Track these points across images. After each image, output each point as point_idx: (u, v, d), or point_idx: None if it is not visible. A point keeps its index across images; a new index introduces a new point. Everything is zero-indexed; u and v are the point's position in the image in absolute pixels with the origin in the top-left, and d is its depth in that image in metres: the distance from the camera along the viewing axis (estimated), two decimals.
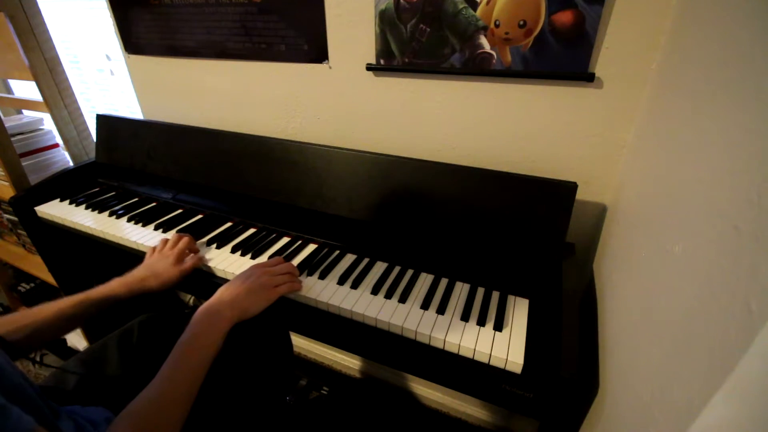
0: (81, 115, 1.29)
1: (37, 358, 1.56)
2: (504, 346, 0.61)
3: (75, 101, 1.26)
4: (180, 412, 0.52)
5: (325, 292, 0.73)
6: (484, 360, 0.61)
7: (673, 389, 0.34)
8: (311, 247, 0.87)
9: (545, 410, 0.58)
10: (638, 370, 0.44)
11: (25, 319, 0.64)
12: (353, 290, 0.73)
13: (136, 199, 1.10)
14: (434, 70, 0.84)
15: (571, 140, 0.79)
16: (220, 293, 0.66)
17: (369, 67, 0.90)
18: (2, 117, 1.13)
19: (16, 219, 1.36)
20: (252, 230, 0.93)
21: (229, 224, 0.96)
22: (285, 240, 0.90)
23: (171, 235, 0.91)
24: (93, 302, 0.71)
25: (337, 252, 0.85)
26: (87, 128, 1.32)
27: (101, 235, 0.96)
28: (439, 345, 0.63)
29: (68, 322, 0.69)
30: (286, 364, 0.96)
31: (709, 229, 0.35)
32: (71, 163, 1.34)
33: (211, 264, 0.81)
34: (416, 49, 0.83)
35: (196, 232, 0.91)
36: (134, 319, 0.83)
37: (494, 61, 0.78)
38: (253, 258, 0.83)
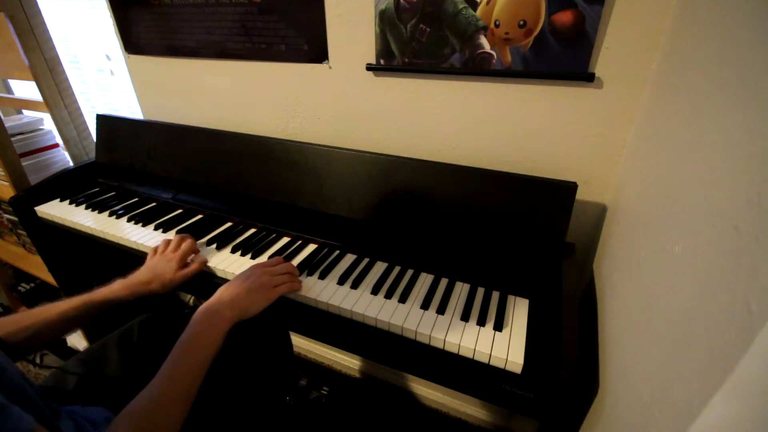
0: (81, 115, 1.29)
1: (37, 359, 1.56)
2: (504, 346, 0.61)
3: (75, 101, 1.26)
4: (180, 412, 0.52)
5: (325, 292, 0.73)
6: (484, 360, 0.61)
7: (673, 389, 0.34)
8: (311, 247, 0.87)
9: (545, 410, 0.58)
10: (638, 370, 0.44)
11: (27, 321, 0.64)
12: (353, 290, 0.73)
13: (136, 199, 1.10)
14: (434, 70, 0.84)
15: (571, 140, 0.79)
16: (220, 293, 0.66)
17: (369, 67, 0.90)
18: (2, 117, 1.13)
19: (16, 219, 1.36)
20: (252, 230, 0.93)
21: (229, 224, 0.96)
22: (285, 240, 0.90)
23: (172, 235, 0.91)
24: (95, 304, 0.72)
25: (337, 252, 0.85)
26: (87, 128, 1.32)
27: (101, 235, 0.96)
28: (439, 345, 0.63)
29: (70, 323, 0.69)
30: (286, 364, 0.96)
31: (709, 229, 0.35)
32: (71, 163, 1.34)
33: (211, 264, 0.81)
34: (416, 49, 0.83)
35: (196, 232, 0.91)
36: (134, 319, 0.83)
37: (494, 61, 0.78)
38: (253, 258, 0.83)
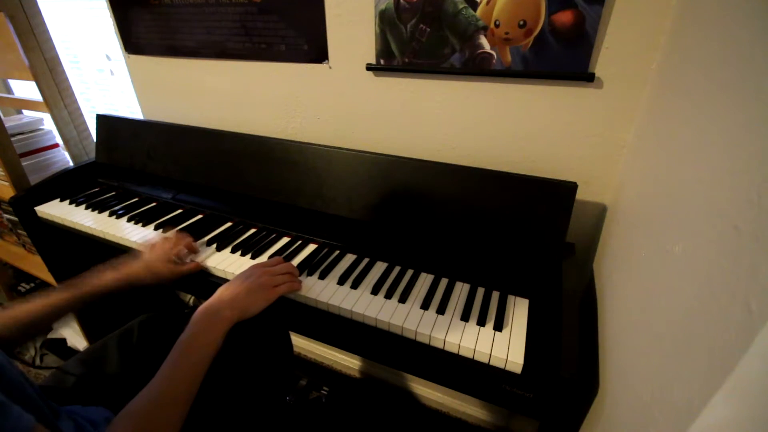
0: (81, 115, 1.29)
1: (37, 359, 1.56)
2: (504, 346, 0.61)
3: (75, 101, 1.26)
4: (179, 412, 0.52)
5: (325, 292, 0.73)
6: (484, 360, 0.61)
7: (673, 389, 0.34)
8: (311, 247, 0.87)
9: (545, 410, 0.58)
10: (638, 370, 0.44)
11: (17, 313, 0.64)
12: (353, 290, 0.73)
13: (136, 199, 1.10)
14: (434, 70, 0.84)
15: (571, 140, 0.79)
16: (220, 293, 0.66)
17: (369, 67, 0.90)
18: (2, 117, 1.13)
19: (16, 219, 1.36)
20: (252, 230, 0.93)
21: (229, 224, 0.96)
22: (285, 240, 0.90)
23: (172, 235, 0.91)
24: (86, 295, 0.72)
25: (337, 252, 0.85)
26: (87, 128, 1.32)
27: (101, 235, 0.96)
28: (439, 345, 0.63)
29: (61, 313, 0.69)
30: (286, 364, 0.96)
31: (709, 229, 0.35)
32: (71, 163, 1.34)
33: (211, 264, 0.81)
34: (416, 49, 0.83)
35: (196, 232, 0.91)
36: (134, 319, 0.83)
37: (494, 61, 0.77)
38: (253, 258, 0.83)
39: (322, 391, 1.37)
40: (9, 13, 1.07)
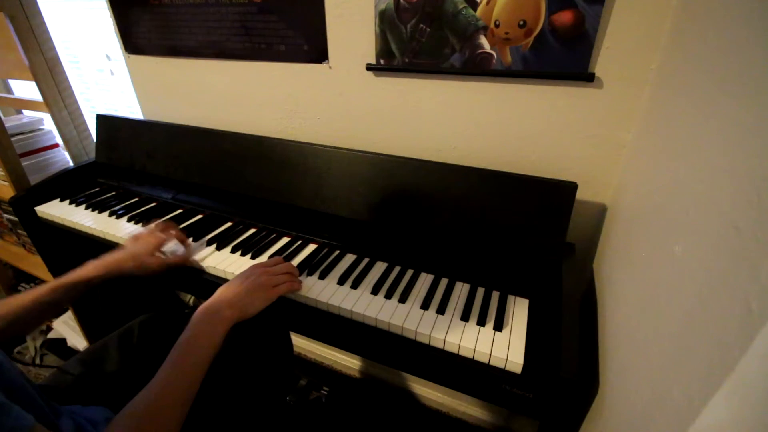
0: (81, 115, 1.29)
1: (37, 359, 1.57)
2: (504, 346, 0.61)
3: (75, 101, 1.26)
4: (179, 412, 0.52)
5: (325, 292, 0.73)
6: (484, 360, 0.61)
7: (673, 389, 0.34)
8: (311, 247, 0.87)
9: (545, 410, 0.58)
10: (638, 370, 0.44)
11: (3, 309, 0.64)
12: (353, 290, 0.73)
13: (136, 199, 1.10)
14: (434, 70, 0.84)
15: (571, 140, 0.79)
16: (220, 293, 0.66)
17: (369, 67, 0.90)
18: (2, 117, 1.13)
19: (16, 219, 1.36)
20: (252, 230, 0.93)
21: (229, 224, 0.96)
22: (285, 240, 0.90)
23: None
24: (69, 286, 0.71)
25: (337, 252, 0.85)
26: (87, 128, 1.32)
27: (101, 235, 0.96)
28: (439, 345, 0.63)
29: (47, 307, 0.69)
30: (286, 364, 0.96)
31: (709, 229, 0.35)
32: (71, 163, 1.34)
33: (211, 264, 0.81)
34: (416, 49, 0.83)
35: (196, 232, 0.91)
36: (134, 319, 0.83)
37: (494, 61, 0.77)
38: (253, 258, 0.83)
39: (322, 391, 1.37)
40: (9, 13, 1.07)
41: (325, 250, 0.85)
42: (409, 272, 0.78)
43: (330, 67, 0.95)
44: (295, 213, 0.92)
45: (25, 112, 1.54)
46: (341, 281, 0.75)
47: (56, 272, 1.22)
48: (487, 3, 0.74)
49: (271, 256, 0.84)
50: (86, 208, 1.05)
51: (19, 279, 1.70)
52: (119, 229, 0.96)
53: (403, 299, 0.70)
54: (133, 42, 1.19)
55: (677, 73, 0.56)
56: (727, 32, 0.42)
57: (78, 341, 1.51)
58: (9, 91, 1.62)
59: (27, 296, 0.68)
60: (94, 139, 1.24)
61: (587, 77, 0.72)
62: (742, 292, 0.27)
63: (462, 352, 0.62)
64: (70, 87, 1.24)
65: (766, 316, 0.24)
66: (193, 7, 1.03)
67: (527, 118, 0.81)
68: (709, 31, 0.47)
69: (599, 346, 0.62)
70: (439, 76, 0.85)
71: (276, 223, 0.93)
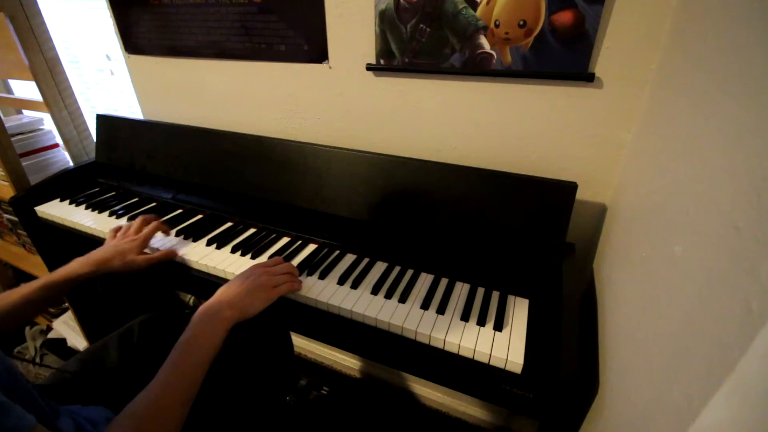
0: (81, 115, 1.29)
1: (37, 359, 1.57)
2: (504, 346, 0.61)
3: (75, 101, 1.26)
4: (180, 413, 0.52)
5: (325, 292, 0.73)
6: (484, 360, 0.61)
7: (673, 389, 0.34)
8: (311, 247, 0.87)
9: (545, 410, 0.58)
10: (638, 370, 0.44)
11: None
12: (353, 290, 0.73)
13: (136, 199, 1.10)
14: (434, 70, 0.84)
15: (571, 140, 0.79)
16: (220, 293, 0.66)
17: (369, 67, 0.90)
18: (2, 117, 1.13)
19: (16, 219, 1.36)
20: (252, 230, 0.93)
21: (229, 224, 0.96)
22: (285, 240, 0.90)
23: (172, 235, 0.91)
24: (56, 284, 0.72)
25: (337, 252, 0.85)
26: (87, 128, 1.32)
27: (101, 235, 0.96)
28: (439, 345, 0.63)
29: (34, 305, 0.70)
30: (287, 364, 0.96)
31: (709, 229, 0.35)
32: (71, 163, 1.34)
33: (211, 264, 0.81)
34: (416, 49, 0.83)
35: (196, 232, 0.91)
36: (134, 319, 0.83)
37: (494, 61, 0.77)
38: (253, 258, 0.83)
39: (322, 391, 1.37)
40: (9, 13, 1.07)
41: (325, 250, 0.85)
42: (409, 272, 0.78)
43: (330, 67, 0.95)
44: (295, 213, 0.92)
45: (25, 112, 1.54)
46: (341, 281, 0.75)
47: None
48: (487, 3, 0.74)
49: (271, 256, 0.84)
50: (86, 208, 1.05)
51: (19, 279, 1.70)
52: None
53: (403, 299, 0.70)
54: (133, 42, 1.19)
55: (677, 73, 0.56)
56: (727, 32, 0.42)
57: (78, 341, 1.51)
58: (9, 91, 1.62)
59: (15, 294, 0.68)
60: (94, 139, 1.24)
61: (587, 77, 0.72)
62: (742, 292, 0.27)
63: (462, 352, 0.62)
64: (70, 87, 1.24)
65: (766, 316, 0.24)
66: (193, 7, 1.03)
67: (527, 118, 0.81)
68: (709, 31, 0.47)
69: (599, 346, 0.62)
70: (439, 76, 0.85)
71: (276, 223, 0.93)
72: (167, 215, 1.00)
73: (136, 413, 0.49)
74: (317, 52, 0.94)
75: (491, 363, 0.60)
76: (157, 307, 0.87)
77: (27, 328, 1.65)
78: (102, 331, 0.84)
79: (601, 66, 0.71)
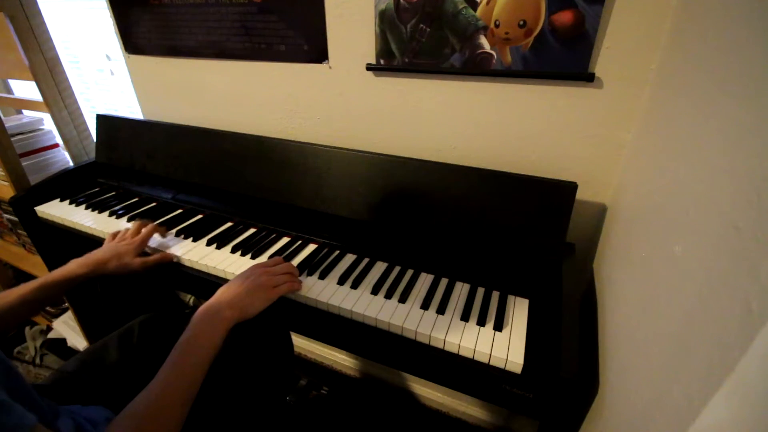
0: (81, 115, 1.29)
1: (37, 359, 1.57)
2: (504, 346, 0.61)
3: (75, 101, 1.26)
4: (180, 413, 0.52)
5: (325, 292, 0.73)
6: (484, 360, 0.61)
7: (673, 389, 0.34)
8: (311, 247, 0.87)
9: (545, 410, 0.58)
10: (638, 370, 0.44)
11: None
12: (353, 290, 0.73)
13: (136, 199, 1.10)
14: (434, 70, 0.84)
15: (571, 140, 0.79)
16: (220, 293, 0.66)
17: (369, 67, 0.90)
18: (2, 117, 1.13)
19: (16, 219, 1.36)
20: (252, 230, 0.93)
21: (229, 224, 0.96)
22: (285, 240, 0.90)
23: (172, 235, 0.91)
24: (54, 284, 0.73)
25: (337, 252, 0.85)
26: (87, 128, 1.32)
27: (101, 235, 0.96)
28: (439, 345, 0.63)
29: (30, 305, 0.71)
30: (287, 364, 0.96)
31: (709, 229, 0.35)
32: (71, 163, 1.34)
33: (210, 264, 0.81)
34: (416, 49, 0.83)
35: (196, 232, 0.91)
36: (134, 319, 0.83)
37: (494, 61, 0.77)
38: (253, 258, 0.83)
39: (322, 391, 1.37)
40: (9, 13, 1.07)
41: (325, 250, 0.85)
42: (409, 272, 0.78)
43: (330, 67, 0.95)
44: (295, 213, 0.92)
45: (25, 112, 1.54)
46: (341, 281, 0.75)
47: None
48: (487, 3, 0.74)
49: (271, 256, 0.84)
50: (86, 208, 1.05)
51: (19, 279, 1.70)
52: (119, 229, 0.95)
53: (403, 299, 0.70)
54: (133, 42, 1.19)
55: (677, 73, 0.56)
56: (727, 32, 0.42)
57: (78, 341, 1.51)
58: (9, 91, 1.62)
59: (12, 294, 0.69)
60: (94, 139, 1.24)
61: (587, 77, 0.72)
62: (742, 292, 0.27)
63: (462, 352, 0.62)
64: (70, 87, 1.24)
65: (766, 316, 0.24)
66: (193, 7, 1.03)
67: (527, 118, 0.81)
68: (709, 31, 0.47)
69: (599, 346, 0.62)
70: (439, 76, 0.85)
71: (276, 223, 0.93)
72: (167, 215, 1.00)
73: (136, 413, 0.49)
74: (317, 52, 0.94)
75: (491, 363, 0.60)
76: (157, 307, 0.87)
77: (27, 328, 1.65)
78: (102, 331, 0.84)
79: (601, 66, 0.71)
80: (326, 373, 1.48)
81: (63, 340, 1.57)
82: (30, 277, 1.58)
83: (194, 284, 0.83)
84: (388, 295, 0.71)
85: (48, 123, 1.35)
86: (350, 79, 0.94)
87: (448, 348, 0.63)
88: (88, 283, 0.77)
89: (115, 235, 0.86)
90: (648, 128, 0.65)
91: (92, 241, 0.97)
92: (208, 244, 0.88)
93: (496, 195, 0.76)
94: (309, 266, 0.79)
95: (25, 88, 1.57)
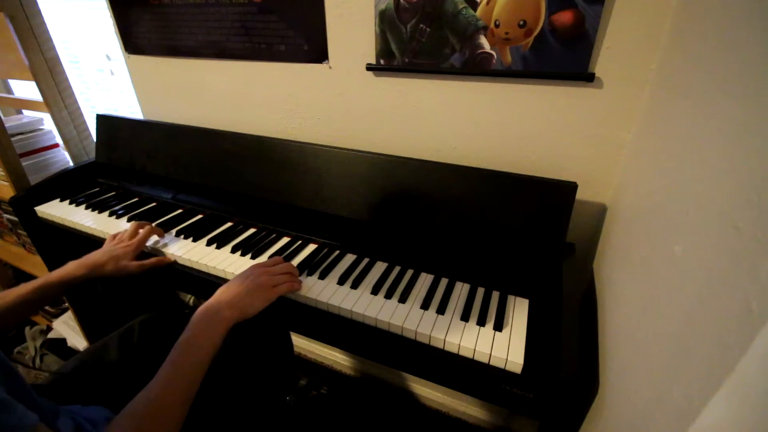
0: (81, 115, 1.29)
1: (37, 359, 1.57)
2: (504, 346, 0.61)
3: (75, 101, 1.26)
4: (179, 412, 0.52)
5: (325, 292, 0.73)
6: (484, 360, 0.61)
7: (673, 389, 0.34)
8: (311, 247, 0.87)
9: (545, 410, 0.58)
10: (638, 370, 0.44)
11: None
12: (353, 290, 0.73)
13: (136, 199, 1.10)
14: (434, 70, 0.84)
15: (571, 140, 0.79)
16: (219, 293, 0.66)
17: (369, 67, 0.90)
18: (2, 117, 1.13)
19: (16, 219, 1.36)
20: (252, 230, 0.93)
21: (229, 224, 0.96)
22: (285, 240, 0.90)
23: (172, 235, 0.91)
24: (52, 285, 0.73)
25: (337, 252, 0.85)
26: (87, 128, 1.32)
27: (101, 235, 0.96)
28: (439, 345, 0.63)
29: (30, 305, 0.71)
30: (286, 364, 0.96)
31: (709, 229, 0.35)
32: (71, 163, 1.34)
33: (211, 264, 0.81)
34: (416, 49, 0.83)
35: (196, 232, 0.91)
36: (134, 319, 0.83)
37: (494, 61, 0.77)
38: (253, 258, 0.83)
39: (322, 391, 1.37)
40: (9, 13, 1.07)
41: (325, 250, 0.85)
42: (409, 272, 0.78)
43: (330, 67, 0.95)
44: (295, 213, 0.92)
45: (25, 112, 1.54)
46: (341, 281, 0.75)
47: None
48: (487, 3, 0.74)
49: (271, 256, 0.84)
50: (86, 208, 1.05)
51: (19, 279, 1.70)
52: (119, 229, 0.95)
53: (403, 299, 0.70)
54: (133, 42, 1.19)
55: (677, 73, 0.56)
56: (727, 32, 0.42)
57: (78, 341, 1.51)
58: (9, 91, 1.62)
59: (10, 294, 0.69)
60: (94, 139, 1.24)
61: (587, 77, 0.72)
62: (742, 292, 0.27)
63: (462, 352, 0.62)
64: (70, 87, 1.24)
65: (766, 316, 0.24)
66: (193, 7, 1.03)
67: (527, 118, 0.81)
68: (709, 31, 0.47)
69: (599, 346, 0.62)
70: (439, 76, 0.85)
71: (276, 223, 0.93)
72: (167, 215, 1.00)
73: (136, 413, 0.49)
74: (317, 52, 0.94)
75: (491, 363, 0.60)
76: (157, 307, 0.87)
77: (27, 328, 1.65)
78: (102, 331, 0.85)
79: (601, 66, 0.71)
80: (326, 373, 1.48)
81: (63, 340, 1.57)
82: (30, 277, 1.58)
83: (194, 284, 0.83)
84: (388, 295, 0.71)
85: (48, 123, 1.35)
86: (350, 79, 0.94)
87: (448, 348, 0.63)
88: (88, 283, 0.77)
89: (115, 236, 0.86)
90: (648, 128, 0.65)
91: (92, 241, 0.97)
92: (208, 244, 0.88)
93: (496, 195, 0.76)
94: (309, 266, 0.79)
95: (25, 88, 1.57)
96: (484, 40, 0.77)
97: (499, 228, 0.76)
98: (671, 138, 0.52)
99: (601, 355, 0.59)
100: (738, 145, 0.34)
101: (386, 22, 0.83)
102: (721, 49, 0.42)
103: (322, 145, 0.90)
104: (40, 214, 1.07)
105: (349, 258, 0.83)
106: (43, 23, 1.15)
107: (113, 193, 1.13)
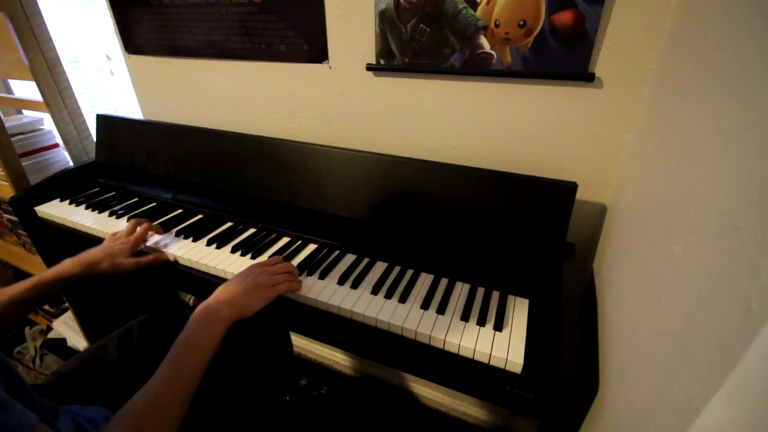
0: (81, 115, 1.29)
1: (37, 359, 1.57)
2: (504, 346, 0.61)
3: (75, 101, 1.26)
4: (178, 412, 0.52)
5: (325, 292, 0.73)
6: (484, 360, 0.61)
7: (673, 389, 0.34)
8: (311, 247, 0.87)
9: (545, 410, 0.58)
10: (638, 370, 0.44)
11: None
12: (353, 290, 0.73)
13: (136, 199, 1.10)
14: (434, 70, 0.84)
15: (571, 140, 0.79)
16: (218, 292, 0.66)
17: (369, 67, 0.90)
18: (2, 117, 1.13)
19: (16, 219, 1.36)
20: (252, 230, 0.93)
21: (229, 224, 0.96)
22: (285, 240, 0.90)
23: (172, 235, 0.91)
24: (47, 284, 0.73)
25: (337, 252, 0.85)
26: (87, 128, 1.32)
27: (101, 236, 0.96)
28: (439, 345, 0.63)
29: (24, 305, 0.70)
30: (286, 364, 0.96)
31: (709, 229, 0.35)
32: (71, 163, 1.34)
33: (211, 264, 0.81)
34: (416, 49, 0.83)
35: (196, 232, 0.91)
36: (134, 319, 0.83)
37: (494, 61, 0.77)
38: (253, 258, 0.83)
39: (322, 391, 1.37)
40: (9, 13, 1.07)
41: (325, 250, 0.85)
42: (409, 272, 0.78)
43: (330, 67, 0.95)
44: (295, 213, 0.92)
45: (25, 112, 1.54)
46: (341, 281, 0.75)
47: None
48: (487, 3, 0.74)
49: (271, 256, 0.84)
50: (86, 208, 1.05)
51: (19, 279, 1.69)
52: (119, 229, 0.95)
53: (403, 299, 0.70)
54: (133, 42, 1.19)
55: (677, 73, 0.56)
56: (727, 32, 0.42)
57: (78, 341, 1.51)
58: (9, 91, 1.62)
59: (5, 294, 0.69)
60: (94, 139, 1.24)
61: (587, 77, 0.72)
62: (742, 292, 0.27)
63: (462, 352, 0.62)
64: (70, 87, 1.24)
65: (766, 316, 0.24)
66: (193, 7, 1.03)
67: (527, 118, 0.81)
68: (709, 31, 0.47)
69: (599, 346, 0.62)
70: (439, 76, 0.85)
71: (276, 223, 0.93)
72: (167, 215, 1.00)
73: (134, 412, 0.49)
74: (317, 52, 0.94)
75: (491, 363, 0.60)
76: (157, 307, 0.87)
77: (27, 328, 1.65)
78: (102, 331, 0.84)
79: (601, 66, 0.71)
80: (326, 373, 1.48)
81: (63, 340, 1.57)
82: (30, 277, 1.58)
83: (194, 284, 0.83)
84: (388, 295, 0.71)
85: (48, 123, 1.35)
86: (350, 79, 0.94)
87: (448, 348, 0.63)
88: (87, 281, 0.77)
89: (114, 235, 0.86)
90: (648, 128, 0.65)
91: (92, 242, 0.97)
92: (208, 244, 0.88)
93: (496, 195, 0.76)
94: (309, 266, 0.79)
95: (25, 88, 1.57)
96: (484, 40, 0.77)
97: (499, 228, 0.75)
98: (671, 138, 0.52)
99: (601, 355, 0.59)
100: (738, 145, 0.34)
101: (386, 22, 0.83)
102: (721, 49, 0.42)
103: (322, 145, 0.90)
104: (40, 214, 1.07)
105: (349, 258, 0.83)
106: (43, 23, 1.15)
107: (113, 193, 1.13)
